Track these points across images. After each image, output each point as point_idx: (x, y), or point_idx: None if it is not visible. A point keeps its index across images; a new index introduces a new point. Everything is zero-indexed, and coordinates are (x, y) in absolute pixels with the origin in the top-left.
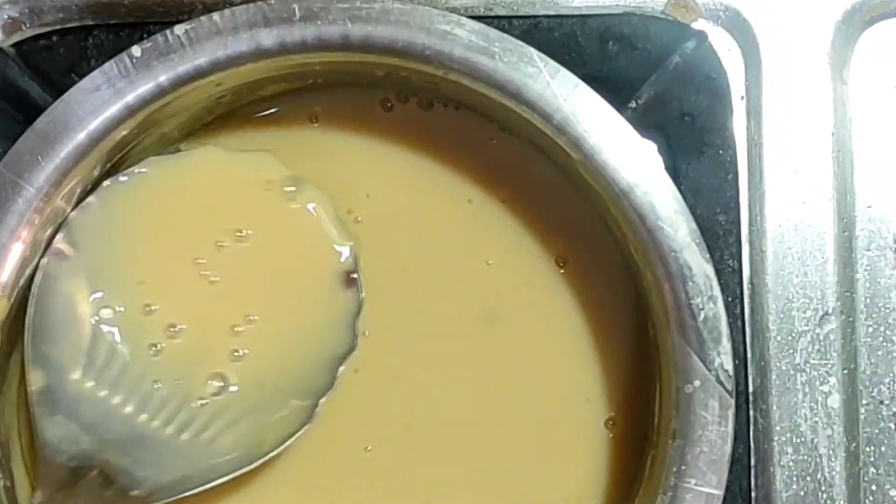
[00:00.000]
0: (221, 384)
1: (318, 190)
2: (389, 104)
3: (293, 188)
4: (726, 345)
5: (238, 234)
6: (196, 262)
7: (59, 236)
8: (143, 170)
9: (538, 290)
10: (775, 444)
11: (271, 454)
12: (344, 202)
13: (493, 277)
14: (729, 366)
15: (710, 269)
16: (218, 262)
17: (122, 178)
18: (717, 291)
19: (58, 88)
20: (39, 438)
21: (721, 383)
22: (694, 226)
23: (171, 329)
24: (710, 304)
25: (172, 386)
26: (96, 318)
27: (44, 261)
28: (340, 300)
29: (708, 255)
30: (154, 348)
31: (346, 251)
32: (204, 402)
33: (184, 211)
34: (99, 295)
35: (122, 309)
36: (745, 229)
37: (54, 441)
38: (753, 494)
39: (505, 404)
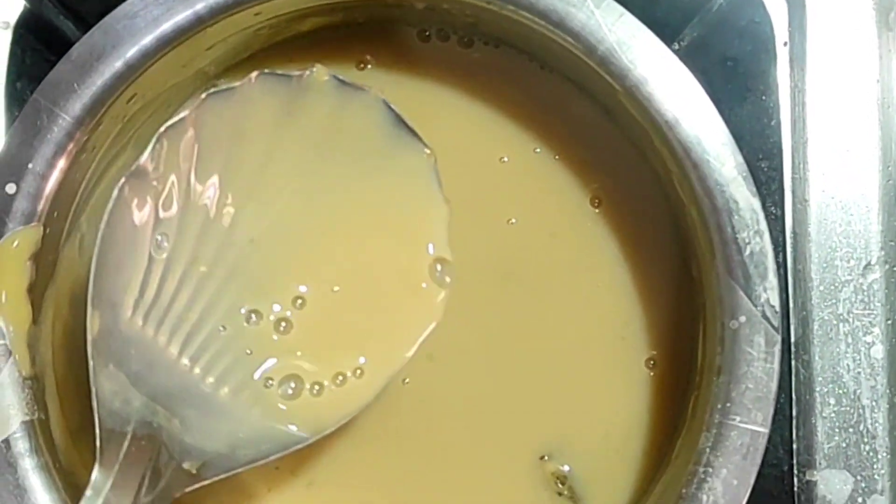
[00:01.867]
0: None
1: (418, 140)
2: (429, 39)
3: (400, 140)
4: (772, 280)
5: (338, 179)
6: (289, 197)
7: (144, 155)
8: (245, 88)
9: (574, 232)
10: (817, 394)
11: (328, 431)
12: None
13: (524, 227)
14: (775, 301)
15: (756, 204)
16: (311, 205)
17: (223, 91)
18: (763, 226)
19: (90, 27)
20: (97, 397)
21: (767, 319)
22: (741, 159)
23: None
24: (756, 238)
25: (232, 338)
26: (159, 248)
27: (120, 182)
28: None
29: (755, 189)
30: (217, 291)
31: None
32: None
33: (286, 137)
34: (170, 218)
35: (193, 238)
36: (787, 177)
37: (108, 398)
38: (795, 446)
39: (542, 347)
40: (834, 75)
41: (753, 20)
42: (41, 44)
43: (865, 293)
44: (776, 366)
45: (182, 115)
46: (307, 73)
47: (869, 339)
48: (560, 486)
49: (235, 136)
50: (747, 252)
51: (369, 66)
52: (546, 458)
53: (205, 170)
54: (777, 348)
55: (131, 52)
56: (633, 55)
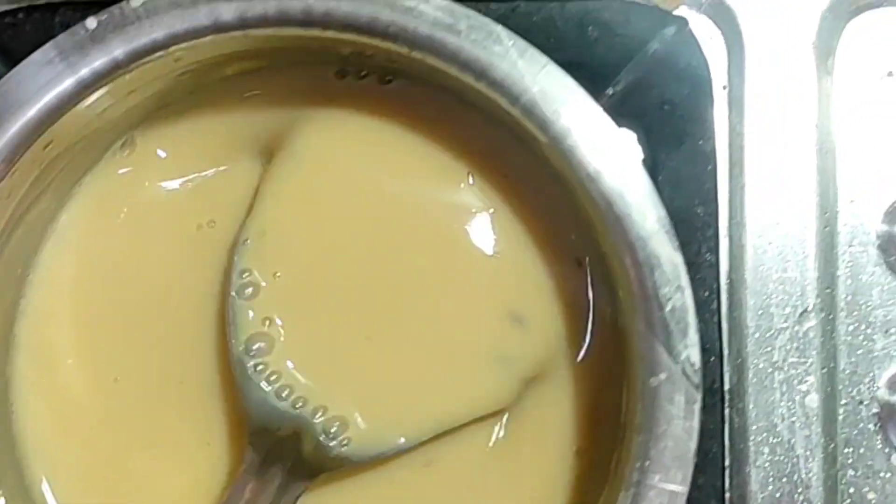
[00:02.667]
0: None
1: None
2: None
3: None
4: (693, 337)
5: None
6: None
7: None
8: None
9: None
10: (751, 443)
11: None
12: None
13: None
14: (696, 359)
15: (678, 258)
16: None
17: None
18: (685, 282)
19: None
20: (246, 403)
21: (687, 376)
22: (663, 213)
23: None
24: (677, 294)
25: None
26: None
27: None
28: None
29: (677, 244)
30: None
31: None
32: None
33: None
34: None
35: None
36: (724, 223)
37: (254, 407)
38: (728, 495)
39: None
40: (772, 119)
41: (691, 63)
42: None
43: (801, 341)
44: (696, 424)
45: None
46: None
47: (804, 387)
48: None
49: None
50: (668, 308)
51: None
52: None
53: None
54: (697, 406)
55: (47, 97)
56: (556, 106)
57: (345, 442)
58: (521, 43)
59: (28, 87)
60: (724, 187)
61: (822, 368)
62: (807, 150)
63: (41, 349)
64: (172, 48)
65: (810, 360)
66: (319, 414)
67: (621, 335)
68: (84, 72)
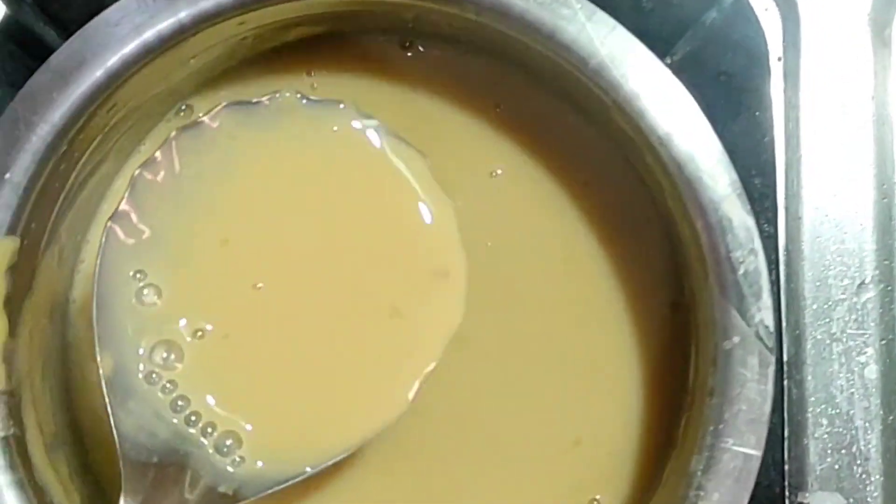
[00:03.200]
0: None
1: (407, 146)
2: (412, 49)
3: (378, 140)
4: (767, 300)
5: (332, 200)
6: (285, 232)
7: (125, 198)
8: (215, 121)
9: (564, 250)
10: (809, 415)
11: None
12: None
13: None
14: (770, 322)
15: (751, 222)
16: (309, 237)
17: (192, 129)
18: (757, 245)
19: (72, 34)
20: (117, 432)
21: (761, 339)
22: (735, 176)
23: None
24: (750, 257)
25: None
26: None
27: (108, 225)
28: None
29: (749, 207)
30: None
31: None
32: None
33: (269, 167)
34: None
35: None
36: (781, 194)
37: (131, 433)
38: (787, 467)
39: (531, 367)
40: (828, 91)
41: (747, 35)
42: (22, 51)
43: (859, 312)
44: (770, 387)
45: (155, 154)
46: (275, 96)
47: (862, 359)
48: None
49: (216, 171)
50: (741, 271)
51: (352, 76)
52: None
53: (191, 211)
54: (771, 370)
55: (112, 60)
56: (625, 69)
57: (237, 462)
58: (589, 5)
59: (93, 50)
60: (780, 159)
61: (882, 340)
62: (864, 121)
63: None
64: (238, 11)
65: (869, 332)
66: (210, 431)
67: (690, 299)
68: (149, 34)
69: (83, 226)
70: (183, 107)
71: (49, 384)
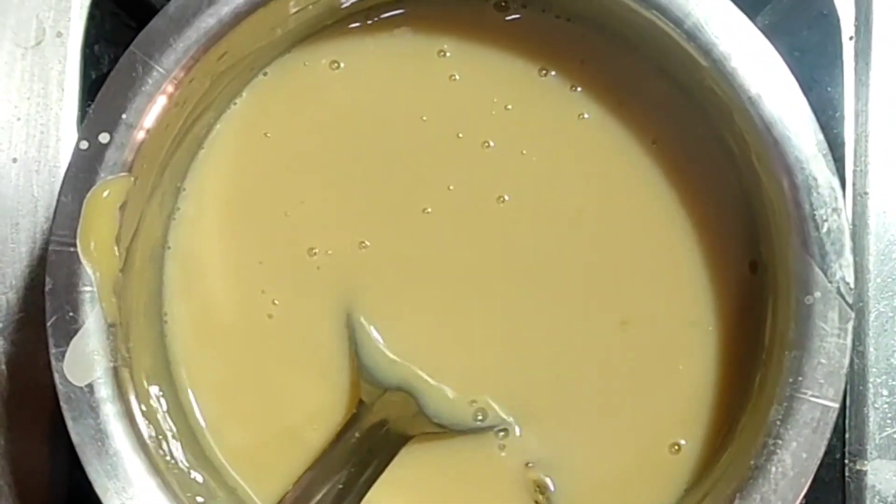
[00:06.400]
0: None
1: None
2: (507, 13)
3: None
4: (848, 257)
5: None
6: None
7: None
8: None
9: (643, 211)
10: (870, 385)
11: None
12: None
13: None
14: (850, 279)
15: (835, 182)
16: None
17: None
18: (841, 204)
19: None
20: (360, 358)
21: (842, 295)
22: (821, 137)
23: None
24: (833, 215)
25: None
26: None
27: None
28: None
29: (834, 168)
30: None
31: None
32: None
33: None
34: None
35: None
36: (848, 169)
37: (370, 362)
38: (847, 435)
39: (615, 328)
40: None
41: (822, 12)
42: (120, 8)
43: None
44: (849, 342)
45: None
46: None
47: None
48: None
49: None
50: (824, 229)
51: (446, 35)
52: None
53: None
54: (850, 325)
55: (225, 9)
56: (718, 30)
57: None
58: None
59: (204, 1)
60: (849, 135)
61: None
62: None
63: (191, 258)
64: None
65: None
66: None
67: (767, 256)
68: None
69: (181, 173)
70: (281, 60)
71: (149, 322)
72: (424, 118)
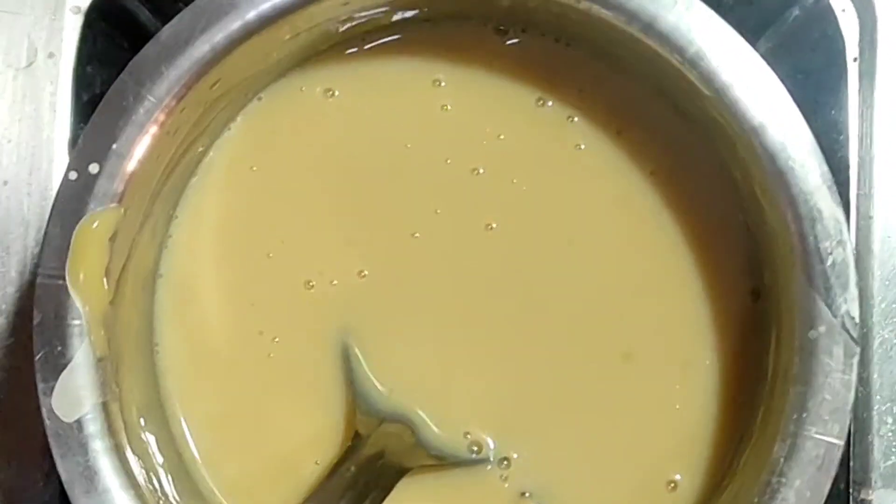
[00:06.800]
0: None
1: None
2: (506, 37)
3: None
4: (853, 291)
5: None
6: None
7: None
8: None
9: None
10: (875, 413)
11: None
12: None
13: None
14: (855, 313)
15: (840, 214)
16: None
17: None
18: (846, 236)
19: (165, 14)
20: (356, 389)
21: (847, 330)
22: (826, 168)
23: None
24: (838, 248)
25: None
26: None
27: None
28: None
29: (839, 199)
30: None
31: None
32: None
33: None
34: None
35: None
36: (853, 192)
37: (366, 393)
38: (851, 463)
39: (614, 359)
40: None
41: (826, 34)
42: (113, 28)
43: None
44: (854, 377)
45: None
46: None
47: None
48: None
49: None
50: (829, 262)
51: (443, 59)
52: None
53: None
54: (856, 360)
55: (219, 36)
56: (721, 59)
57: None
58: None
59: (201, 25)
60: (853, 158)
61: None
62: None
63: (184, 285)
64: None
65: None
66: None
67: (771, 289)
68: (251, 15)
69: (174, 200)
70: (276, 85)
71: (140, 353)
72: (409, 145)
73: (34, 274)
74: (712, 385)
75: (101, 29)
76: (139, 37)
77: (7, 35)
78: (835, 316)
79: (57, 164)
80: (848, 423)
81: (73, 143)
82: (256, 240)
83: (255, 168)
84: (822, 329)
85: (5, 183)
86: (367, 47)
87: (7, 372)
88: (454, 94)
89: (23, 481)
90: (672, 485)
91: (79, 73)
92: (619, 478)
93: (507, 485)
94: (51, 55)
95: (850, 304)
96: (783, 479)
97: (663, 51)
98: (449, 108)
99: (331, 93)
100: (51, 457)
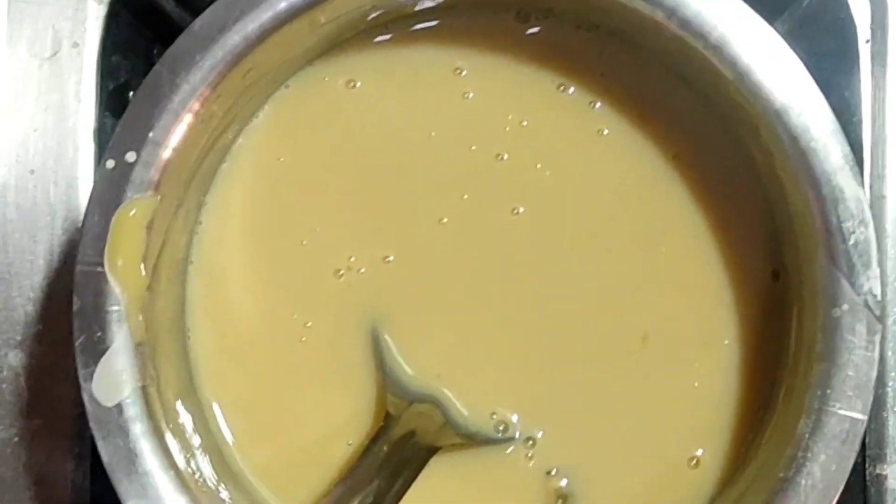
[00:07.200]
0: None
1: None
2: (527, 24)
3: None
4: (875, 269)
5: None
6: None
7: None
8: None
9: (667, 225)
10: (889, 389)
11: None
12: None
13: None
14: (877, 291)
15: (862, 194)
16: None
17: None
18: (868, 216)
19: (188, 3)
20: (386, 372)
21: (869, 308)
22: (847, 149)
23: None
24: (861, 227)
25: None
26: None
27: None
28: None
29: (861, 179)
30: None
31: None
32: None
33: None
34: None
35: None
36: (867, 173)
37: (396, 376)
38: (867, 439)
39: (628, 317)
40: None
41: (838, 17)
42: (136, 18)
43: None
44: (876, 354)
45: None
46: None
47: None
48: None
49: None
50: (851, 241)
51: (466, 48)
52: None
53: None
54: (878, 337)
55: (251, 26)
56: (743, 43)
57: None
58: None
59: (234, 15)
60: (866, 139)
61: None
62: None
63: (213, 272)
64: None
65: None
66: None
67: (793, 269)
68: (282, 5)
69: (204, 187)
70: (303, 73)
71: (174, 339)
72: (433, 134)
73: (62, 262)
74: (733, 364)
75: (125, 18)
76: (162, 26)
77: (32, 26)
78: (858, 294)
79: (83, 152)
80: (871, 398)
81: (99, 132)
82: (284, 228)
83: (282, 159)
84: (845, 307)
85: (32, 172)
86: (389, 37)
87: (36, 359)
88: (476, 82)
89: (53, 466)
90: (694, 461)
91: (103, 63)
92: (641, 455)
93: (531, 463)
94: (75, 45)
95: (872, 283)
96: (808, 454)
97: (686, 36)
98: (471, 96)
99: (353, 84)
100: (81, 441)
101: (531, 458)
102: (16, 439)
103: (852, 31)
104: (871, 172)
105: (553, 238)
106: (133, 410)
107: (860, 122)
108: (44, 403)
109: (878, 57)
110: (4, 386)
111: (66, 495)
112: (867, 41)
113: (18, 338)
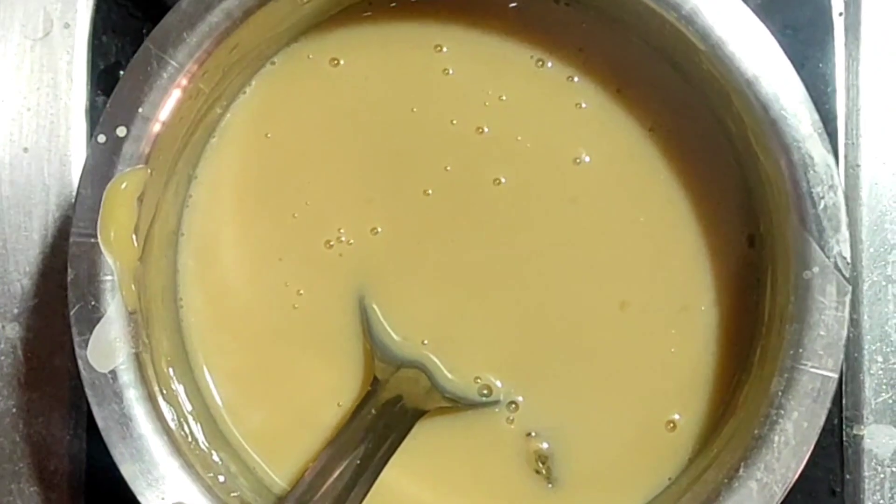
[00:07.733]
0: None
1: None
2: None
3: None
4: (845, 233)
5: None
6: None
7: None
8: None
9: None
10: (865, 352)
11: None
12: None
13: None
14: (847, 253)
15: (831, 160)
16: None
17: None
18: (837, 181)
19: None
20: (373, 338)
21: (839, 269)
22: (816, 117)
23: None
24: (830, 193)
25: None
26: None
27: None
28: None
29: (830, 146)
30: None
31: None
32: None
33: None
34: None
35: None
36: (841, 143)
37: (382, 342)
38: (844, 401)
39: (605, 286)
40: (887, 45)
41: None
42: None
43: None
44: (846, 314)
45: None
46: None
47: None
48: None
49: None
50: (821, 206)
51: (447, 23)
52: None
53: None
54: (848, 298)
55: (235, 4)
56: (714, 14)
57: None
58: None
59: None
60: (841, 109)
61: None
62: None
63: (204, 245)
64: None
65: None
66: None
67: (766, 233)
68: None
69: (194, 161)
70: (288, 49)
71: (166, 308)
72: (415, 109)
73: (56, 237)
74: (709, 328)
75: (116, 1)
76: (152, 6)
77: (23, 7)
78: (828, 257)
79: (75, 130)
80: (841, 357)
81: (91, 110)
82: (275, 201)
83: (269, 135)
84: (815, 269)
85: (26, 150)
86: (370, 14)
87: (33, 332)
88: (455, 58)
89: (50, 436)
90: (672, 425)
91: (94, 43)
92: (619, 419)
93: (514, 426)
94: (66, 26)
95: (841, 246)
96: (782, 412)
97: (660, 8)
98: (451, 72)
99: (336, 62)
100: (77, 412)
101: (513, 421)
102: (14, 410)
103: (825, 4)
104: (846, 141)
105: (534, 207)
106: (127, 376)
107: (834, 92)
108: (41, 375)
109: (852, 29)
110: (2, 358)
111: (64, 464)
112: (840, 14)
113: (15, 311)
